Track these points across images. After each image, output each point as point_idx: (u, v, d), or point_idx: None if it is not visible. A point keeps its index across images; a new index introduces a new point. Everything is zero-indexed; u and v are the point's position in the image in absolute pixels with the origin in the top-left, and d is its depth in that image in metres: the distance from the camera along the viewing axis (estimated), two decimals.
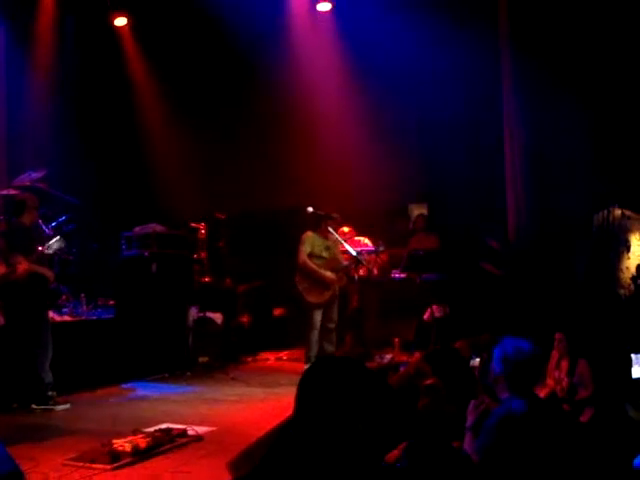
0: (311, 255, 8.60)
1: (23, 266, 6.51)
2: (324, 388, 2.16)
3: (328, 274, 8.59)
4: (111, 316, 8.67)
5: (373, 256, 9.55)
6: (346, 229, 9.60)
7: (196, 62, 11.54)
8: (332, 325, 8.73)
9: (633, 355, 5.40)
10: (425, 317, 8.80)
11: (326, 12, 11.18)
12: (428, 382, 3.88)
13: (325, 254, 8.67)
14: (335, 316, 8.75)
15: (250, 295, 10.72)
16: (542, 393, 5.29)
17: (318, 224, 8.71)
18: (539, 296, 8.11)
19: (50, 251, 6.89)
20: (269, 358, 10.02)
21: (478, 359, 5.76)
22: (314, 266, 8.55)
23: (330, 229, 8.67)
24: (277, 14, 11.03)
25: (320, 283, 8.57)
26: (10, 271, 6.46)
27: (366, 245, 9.81)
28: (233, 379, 8.36)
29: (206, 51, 11.44)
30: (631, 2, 8.06)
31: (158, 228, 9.11)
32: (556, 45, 8.57)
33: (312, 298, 8.58)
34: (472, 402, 3.64)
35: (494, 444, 3.29)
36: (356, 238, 9.84)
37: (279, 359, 9.99)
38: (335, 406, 2.12)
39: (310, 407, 2.16)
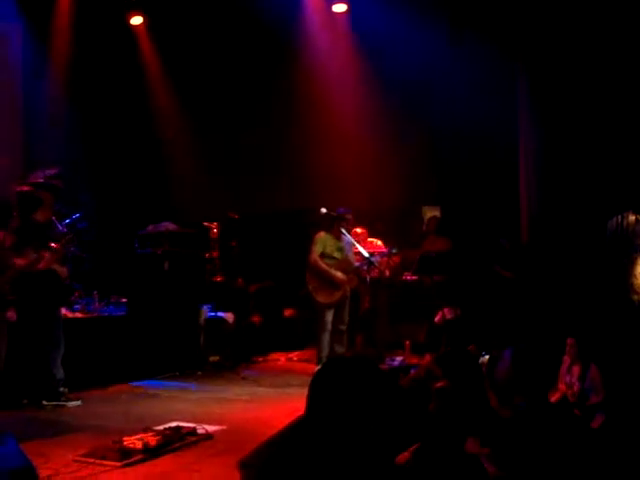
0: (323, 255, 8.59)
1: (49, 258, 6.54)
2: (336, 388, 2.16)
3: (338, 274, 8.58)
4: (123, 313, 8.72)
5: (385, 258, 9.53)
6: (359, 230, 9.60)
7: (212, 61, 11.56)
8: (343, 326, 8.71)
9: None
10: (436, 319, 8.77)
11: (342, 13, 11.19)
12: (439, 385, 3.86)
13: (337, 255, 8.66)
14: (346, 317, 8.73)
15: (261, 295, 10.72)
16: (553, 398, 5.26)
17: (331, 225, 8.69)
18: (551, 300, 8.07)
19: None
20: (280, 358, 10.02)
21: (487, 356, 5.74)
22: (325, 266, 8.54)
23: (343, 230, 8.66)
24: (293, 14, 11.04)
25: (330, 283, 8.56)
26: (38, 258, 6.47)
27: (379, 247, 9.79)
28: (244, 379, 8.37)
29: (222, 50, 11.46)
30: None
31: (171, 227, 9.14)
32: (569, 45, 8.57)
33: (321, 298, 8.57)
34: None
35: (507, 452, 3.27)
36: (369, 240, 9.84)
37: (290, 360, 9.99)
38: (346, 406, 2.12)
39: (322, 407, 2.16)
